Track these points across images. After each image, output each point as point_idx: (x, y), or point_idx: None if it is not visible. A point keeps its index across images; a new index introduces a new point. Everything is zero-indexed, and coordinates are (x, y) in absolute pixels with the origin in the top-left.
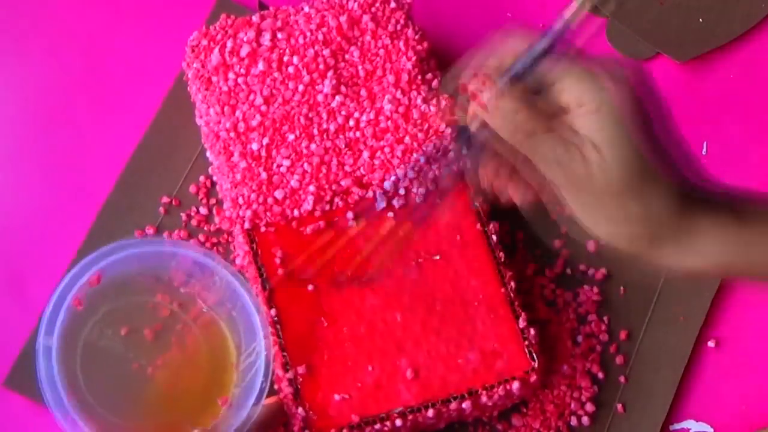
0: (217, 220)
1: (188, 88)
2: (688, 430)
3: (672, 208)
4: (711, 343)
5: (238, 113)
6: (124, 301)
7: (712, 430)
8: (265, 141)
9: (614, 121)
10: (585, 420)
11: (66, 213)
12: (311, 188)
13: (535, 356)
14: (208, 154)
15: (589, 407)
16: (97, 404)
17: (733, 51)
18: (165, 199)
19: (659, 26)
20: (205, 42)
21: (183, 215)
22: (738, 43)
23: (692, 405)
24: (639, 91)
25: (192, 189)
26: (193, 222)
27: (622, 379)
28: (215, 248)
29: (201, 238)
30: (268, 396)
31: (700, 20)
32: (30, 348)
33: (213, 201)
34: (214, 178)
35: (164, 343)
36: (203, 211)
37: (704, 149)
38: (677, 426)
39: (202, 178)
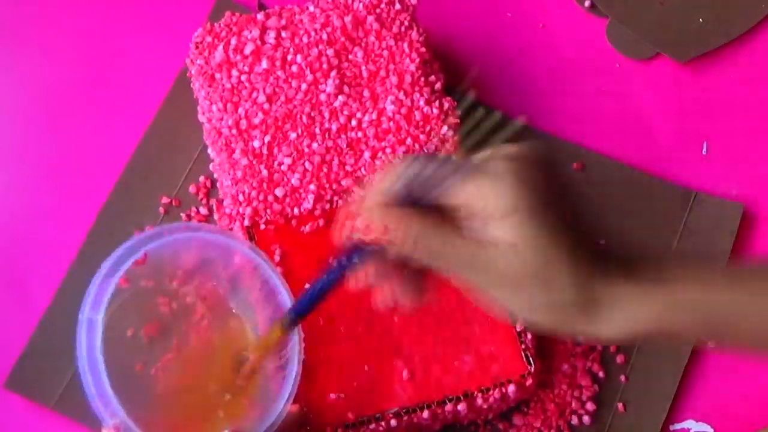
0: (216, 218)
1: (191, 85)
2: (688, 430)
3: (575, 288)
4: (711, 344)
5: (240, 110)
6: (156, 286)
7: (712, 430)
8: (267, 139)
9: (513, 223)
10: (586, 419)
11: (66, 213)
12: (312, 187)
13: (531, 360)
14: (209, 150)
15: (590, 406)
16: (114, 388)
17: (733, 51)
18: (165, 200)
19: (659, 26)
20: (209, 39)
21: (183, 215)
22: (738, 43)
23: (692, 405)
24: (540, 166)
25: (192, 189)
26: (193, 222)
27: (622, 378)
28: None
29: None
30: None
31: (700, 20)
32: (31, 349)
33: (213, 201)
34: (215, 176)
35: (187, 335)
36: (203, 211)
37: (704, 149)
38: (677, 426)
39: (202, 179)
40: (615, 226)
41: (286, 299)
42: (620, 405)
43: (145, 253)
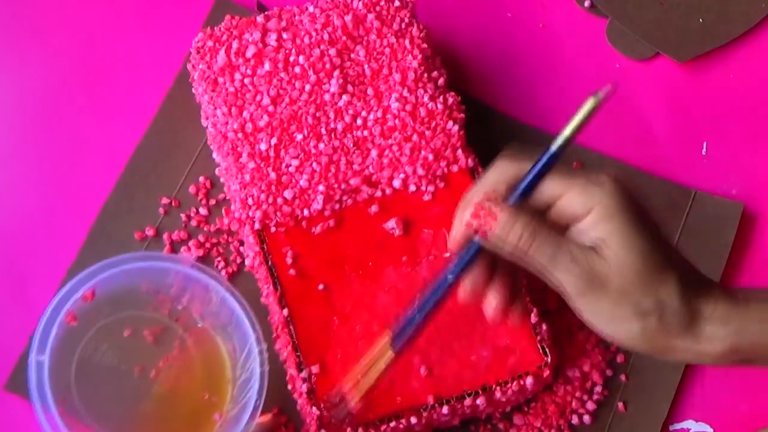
0: (217, 221)
1: (193, 90)
2: (688, 430)
3: (680, 298)
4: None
5: (245, 114)
6: (119, 316)
7: (712, 430)
8: (274, 141)
9: (624, 222)
10: (586, 419)
11: (66, 213)
12: (321, 188)
13: (547, 351)
14: (214, 155)
15: (590, 406)
16: (92, 419)
17: (733, 51)
18: (165, 200)
19: (659, 26)
20: (210, 43)
21: (183, 216)
22: (738, 43)
23: (692, 405)
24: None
25: (192, 189)
26: (193, 222)
27: (623, 377)
28: (215, 249)
29: (201, 238)
30: (262, 413)
31: (700, 20)
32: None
33: (213, 202)
34: (221, 180)
35: (159, 357)
36: (203, 211)
37: (704, 149)
38: (677, 426)
39: (201, 179)
40: None
41: (243, 317)
42: (620, 404)
43: (92, 289)
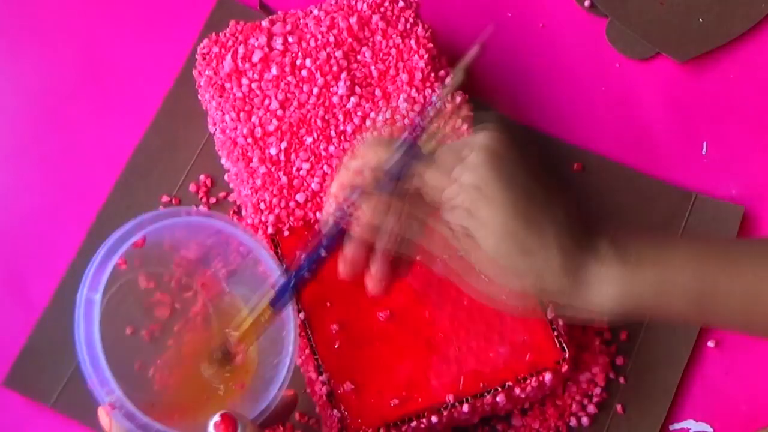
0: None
1: (199, 96)
2: (688, 430)
3: (558, 260)
4: (711, 343)
5: (254, 119)
6: (152, 271)
7: (712, 430)
8: (284, 145)
9: (493, 188)
10: (584, 420)
11: (66, 212)
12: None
13: (565, 346)
14: (223, 161)
15: (590, 408)
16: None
17: (733, 51)
18: (165, 198)
19: (659, 26)
20: (216, 49)
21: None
22: (738, 43)
23: (692, 405)
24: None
25: (192, 188)
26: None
27: (621, 380)
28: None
29: None
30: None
31: (700, 20)
32: (30, 347)
33: (213, 200)
34: (231, 185)
35: (181, 319)
36: (203, 209)
37: (704, 149)
38: (677, 426)
39: (202, 177)
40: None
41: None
42: (619, 406)
43: (144, 236)
